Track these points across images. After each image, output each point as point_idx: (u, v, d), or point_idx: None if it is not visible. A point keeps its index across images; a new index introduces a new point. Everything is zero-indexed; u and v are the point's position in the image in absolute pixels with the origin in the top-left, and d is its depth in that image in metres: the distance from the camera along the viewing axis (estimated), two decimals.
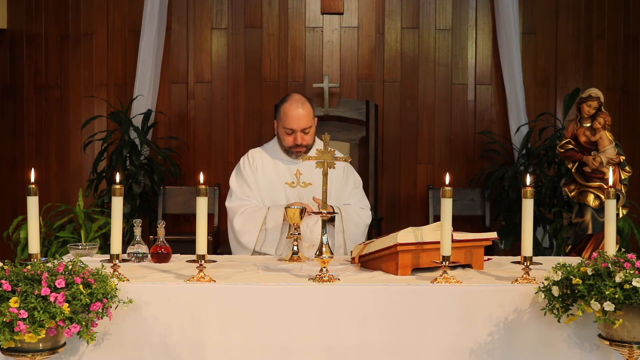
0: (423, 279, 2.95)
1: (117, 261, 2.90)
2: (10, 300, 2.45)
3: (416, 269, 3.07)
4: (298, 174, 3.70)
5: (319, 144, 3.97)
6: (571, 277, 2.63)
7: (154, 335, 2.78)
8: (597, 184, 3.61)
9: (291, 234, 3.48)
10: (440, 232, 2.91)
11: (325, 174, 3.07)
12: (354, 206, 3.93)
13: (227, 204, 3.90)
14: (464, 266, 3.19)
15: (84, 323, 2.54)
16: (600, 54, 6.40)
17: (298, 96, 3.89)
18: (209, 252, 2.97)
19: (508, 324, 2.81)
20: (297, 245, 3.45)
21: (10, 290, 2.48)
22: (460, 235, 3.14)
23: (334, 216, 3.76)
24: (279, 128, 3.88)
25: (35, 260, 2.72)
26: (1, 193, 6.54)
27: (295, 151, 3.84)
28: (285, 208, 3.50)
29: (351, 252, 3.39)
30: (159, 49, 6.20)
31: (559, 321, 2.72)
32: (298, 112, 3.80)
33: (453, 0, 6.32)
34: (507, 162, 6.17)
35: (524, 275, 2.89)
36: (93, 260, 3.06)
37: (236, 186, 3.91)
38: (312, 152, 3.79)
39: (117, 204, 2.95)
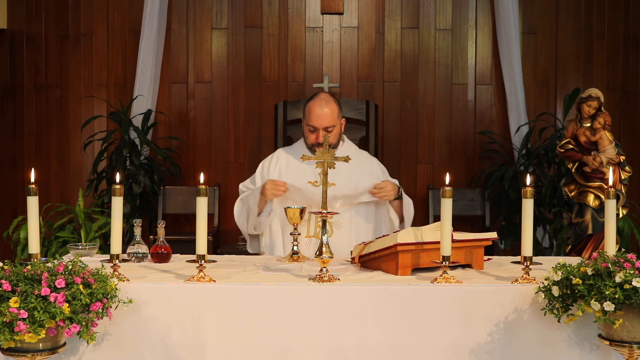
0: (423, 279, 2.94)
1: (117, 261, 2.89)
2: (10, 300, 2.45)
3: (416, 269, 3.07)
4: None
5: (347, 144, 4.00)
6: (571, 277, 2.62)
7: (154, 335, 2.78)
8: (597, 184, 3.60)
9: (291, 234, 3.49)
10: (440, 232, 2.91)
11: (325, 174, 3.07)
12: None
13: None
14: (464, 266, 3.19)
15: (84, 323, 2.54)
16: (600, 54, 6.39)
17: (325, 95, 3.95)
18: (209, 252, 2.97)
19: (508, 324, 2.81)
20: (297, 245, 3.45)
21: (10, 290, 2.48)
22: (460, 235, 3.14)
23: (401, 193, 3.89)
24: (304, 126, 3.94)
25: (35, 260, 2.72)
26: (1, 193, 6.54)
27: (317, 149, 3.86)
28: (285, 208, 3.51)
29: (351, 252, 3.39)
30: (159, 49, 6.19)
31: (559, 321, 2.72)
32: (323, 111, 3.85)
33: (453, 0, 6.32)
34: (507, 162, 6.17)
35: (524, 275, 2.88)
36: (93, 260, 3.06)
37: (246, 184, 4.03)
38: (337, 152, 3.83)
39: (117, 204, 2.95)
